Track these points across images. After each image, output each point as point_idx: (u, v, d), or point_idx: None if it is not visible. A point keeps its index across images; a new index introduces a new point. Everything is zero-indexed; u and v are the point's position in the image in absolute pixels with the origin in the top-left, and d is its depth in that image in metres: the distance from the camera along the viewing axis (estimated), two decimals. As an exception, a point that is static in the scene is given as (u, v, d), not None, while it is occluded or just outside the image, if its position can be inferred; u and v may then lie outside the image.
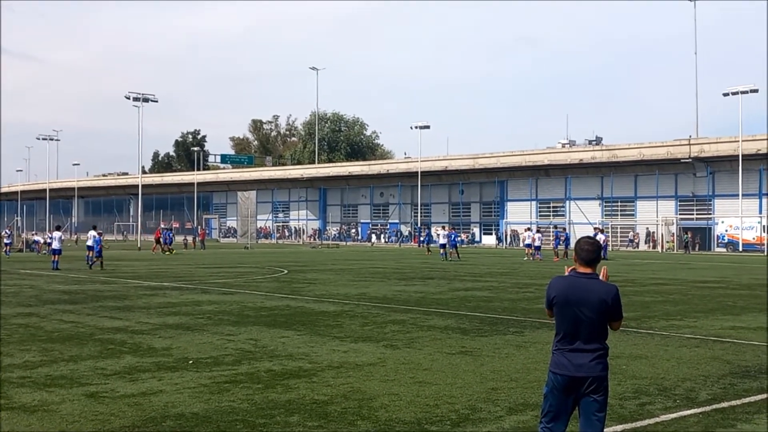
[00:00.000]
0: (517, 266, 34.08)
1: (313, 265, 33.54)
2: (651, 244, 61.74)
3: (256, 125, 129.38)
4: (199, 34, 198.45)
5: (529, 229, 48.84)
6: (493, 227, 74.98)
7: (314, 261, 38.11)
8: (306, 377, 8.70)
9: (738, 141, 55.18)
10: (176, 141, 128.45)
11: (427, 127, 72.32)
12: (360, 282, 23.80)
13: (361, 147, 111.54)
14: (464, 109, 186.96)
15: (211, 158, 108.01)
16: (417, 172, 73.09)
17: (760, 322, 14.01)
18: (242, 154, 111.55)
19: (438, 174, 76.04)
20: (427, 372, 9.04)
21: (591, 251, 5.10)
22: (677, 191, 62.45)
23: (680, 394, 7.98)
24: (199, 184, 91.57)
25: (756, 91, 54.29)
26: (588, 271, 5.07)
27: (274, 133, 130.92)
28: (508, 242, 69.44)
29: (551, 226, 60.80)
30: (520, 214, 70.96)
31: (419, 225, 74.94)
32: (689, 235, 58.87)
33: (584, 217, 65.37)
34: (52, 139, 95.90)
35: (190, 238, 65.33)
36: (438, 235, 43.87)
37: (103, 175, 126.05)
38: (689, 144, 60.22)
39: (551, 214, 69.80)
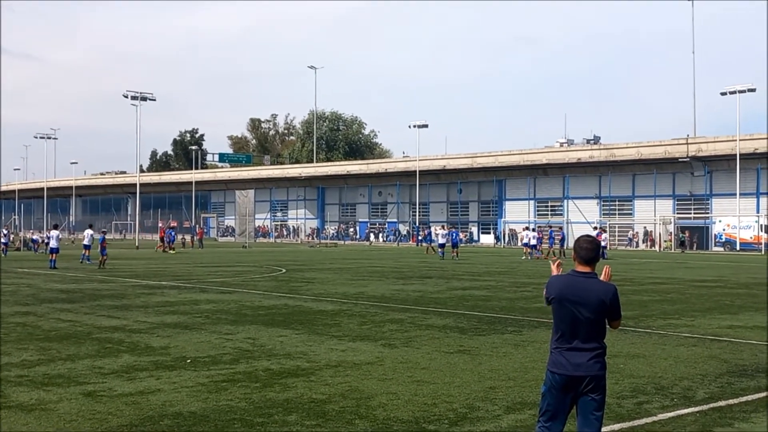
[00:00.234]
0: (515, 265, 34.10)
1: (312, 264, 33.54)
2: (649, 243, 61.82)
3: (255, 124, 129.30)
4: (197, 34, 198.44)
5: (527, 228, 48.89)
6: (492, 226, 75.01)
7: (312, 260, 38.11)
8: (304, 376, 8.70)
9: (735, 140, 55.23)
10: (174, 140, 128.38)
11: (426, 126, 72.34)
12: (358, 281, 23.80)
13: (360, 146, 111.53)
14: (462, 108, 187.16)
15: (209, 157, 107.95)
16: (415, 171, 73.10)
17: (758, 321, 14.03)
18: (240, 153, 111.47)
19: (436, 173, 76.05)
20: (425, 371, 9.05)
21: (590, 250, 5.09)
22: (675, 190, 62.51)
23: (678, 393, 7.99)
24: (197, 183, 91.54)
25: (753, 90, 54.35)
26: (587, 270, 5.06)
27: (272, 132, 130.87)
28: (506, 241, 69.49)
29: (547, 225, 60.86)
30: (518, 214, 70.99)
31: (417, 224, 74.99)
32: (686, 235, 58.95)
33: (582, 217, 65.42)
34: (50, 138, 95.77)
35: (188, 237, 65.30)
36: (438, 234, 43.78)
37: (101, 174, 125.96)
38: (687, 143, 60.28)
39: (549, 213, 69.85)
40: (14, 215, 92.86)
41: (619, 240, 63.92)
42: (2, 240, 43.18)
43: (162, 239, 50.15)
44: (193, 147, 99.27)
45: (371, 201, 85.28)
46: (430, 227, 64.57)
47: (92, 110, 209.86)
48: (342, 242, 77.08)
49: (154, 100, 63.02)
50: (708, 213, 59.84)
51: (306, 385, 8.20)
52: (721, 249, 55.87)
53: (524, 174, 70.61)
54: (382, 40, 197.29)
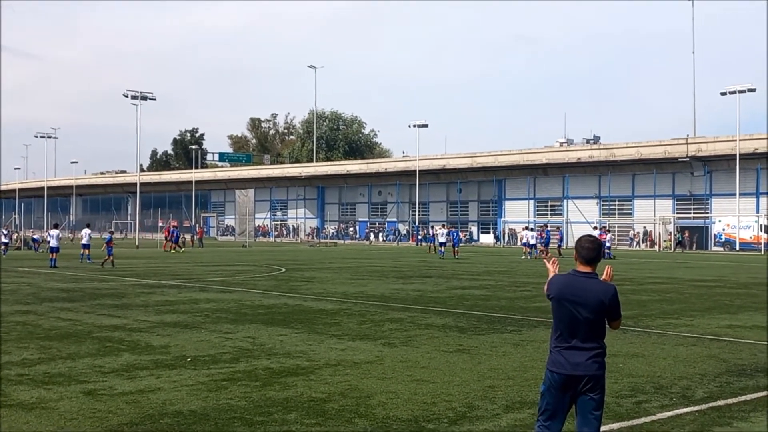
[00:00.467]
0: (514, 265, 34.11)
1: (311, 264, 33.55)
2: (648, 243, 61.84)
3: (255, 124, 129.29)
4: (198, 32, 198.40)
5: (527, 227, 48.90)
6: (491, 226, 75.02)
7: (312, 259, 38.12)
8: (304, 375, 8.72)
9: (735, 140, 55.25)
10: (174, 139, 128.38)
11: (426, 125, 72.34)
12: (358, 280, 23.81)
13: (360, 145, 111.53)
14: (462, 107, 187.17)
15: (209, 156, 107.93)
16: (415, 171, 73.10)
17: (757, 320, 14.05)
18: (240, 153, 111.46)
19: (436, 173, 76.04)
20: (424, 370, 9.06)
21: (591, 249, 5.10)
22: (675, 190, 62.51)
23: (677, 392, 8.00)
24: (197, 182, 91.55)
25: (753, 90, 54.37)
26: (587, 270, 5.07)
27: (272, 132, 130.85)
28: (505, 241, 69.51)
29: (542, 225, 60.79)
30: (518, 213, 71.00)
31: (417, 224, 75.00)
32: (686, 235, 58.96)
33: (582, 216, 65.42)
34: (50, 137, 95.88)
35: (188, 237, 65.28)
36: (439, 233, 43.74)
37: (101, 173, 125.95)
38: (687, 143, 60.29)
39: (549, 213, 69.86)
40: (14, 214, 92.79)
41: (619, 240, 63.90)
42: (3, 239, 43.16)
43: (166, 238, 50.24)
44: (193, 146, 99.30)
45: (371, 200, 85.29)
46: (433, 227, 64.55)
47: (92, 109, 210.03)
48: (342, 242, 77.08)
49: (154, 99, 63.09)
50: (708, 213, 59.86)
51: (306, 384, 8.21)
52: (721, 249, 55.89)
53: (524, 174, 70.61)
54: (382, 40, 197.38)
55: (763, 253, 50.28)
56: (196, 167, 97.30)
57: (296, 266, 31.52)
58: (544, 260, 5.66)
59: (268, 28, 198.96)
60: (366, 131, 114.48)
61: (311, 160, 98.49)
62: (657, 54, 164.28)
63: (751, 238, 54.40)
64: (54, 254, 30.79)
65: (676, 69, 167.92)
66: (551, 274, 5.25)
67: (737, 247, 54.39)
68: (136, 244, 58.04)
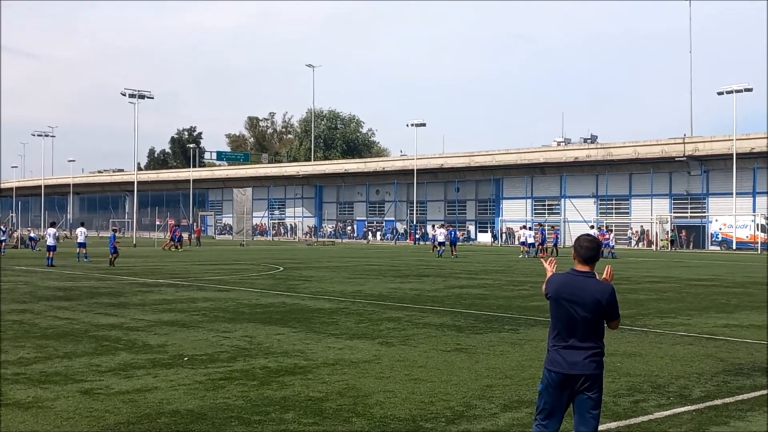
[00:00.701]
0: (512, 264, 34.13)
1: (309, 263, 33.54)
2: (645, 242, 61.91)
3: (253, 122, 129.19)
4: (196, 31, 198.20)
5: (524, 227, 48.92)
6: (489, 225, 75.06)
7: (310, 258, 38.10)
8: (301, 374, 8.71)
9: (732, 140, 55.33)
10: (172, 138, 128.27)
11: (423, 124, 72.34)
12: (355, 279, 23.81)
13: (357, 144, 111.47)
14: (460, 107, 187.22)
15: (207, 155, 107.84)
16: (413, 170, 73.08)
17: (754, 319, 14.07)
18: (238, 151, 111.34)
19: (434, 172, 76.04)
20: (422, 369, 9.06)
21: (590, 249, 5.10)
22: (672, 189, 62.57)
23: (674, 391, 8.01)
24: (194, 180, 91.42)
25: (750, 90, 54.44)
26: (585, 269, 5.07)
27: (270, 131, 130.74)
28: (503, 240, 69.55)
29: (536, 224, 60.90)
30: (515, 212, 71.05)
31: (414, 223, 75.00)
32: (683, 235, 59.03)
33: (579, 215, 65.49)
34: (47, 136, 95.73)
35: (185, 235, 65.22)
36: (438, 233, 43.71)
37: (99, 172, 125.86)
38: (684, 142, 60.38)
39: (546, 212, 69.89)
40: (12, 213, 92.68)
41: (616, 239, 63.87)
42: (1, 237, 43.06)
43: (173, 238, 50.51)
44: (191, 145, 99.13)
45: (369, 199, 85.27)
46: (434, 227, 64.45)
47: (90, 108, 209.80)
48: (339, 240, 77.06)
49: (152, 98, 62.96)
50: (704, 212, 59.94)
51: (303, 383, 8.21)
52: (718, 248, 55.97)
53: (521, 173, 70.65)
54: (380, 39, 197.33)
55: (759, 252, 50.36)
56: (194, 166, 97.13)
57: (294, 265, 31.50)
58: (542, 259, 5.66)
59: (267, 27, 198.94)
60: (364, 130, 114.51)
61: (309, 159, 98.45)
62: (654, 54, 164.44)
63: (747, 237, 54.49)
64: (51, 253, 30.75)
65: (673, 69, 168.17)
66: (549, 274, 5.26)
67: (734, 247, 54.47)
68: (134, 242, 57.98)
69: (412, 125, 72.10)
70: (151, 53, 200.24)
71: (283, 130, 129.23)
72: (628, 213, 65.24)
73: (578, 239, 5.21)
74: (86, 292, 18.97)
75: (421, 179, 74.35)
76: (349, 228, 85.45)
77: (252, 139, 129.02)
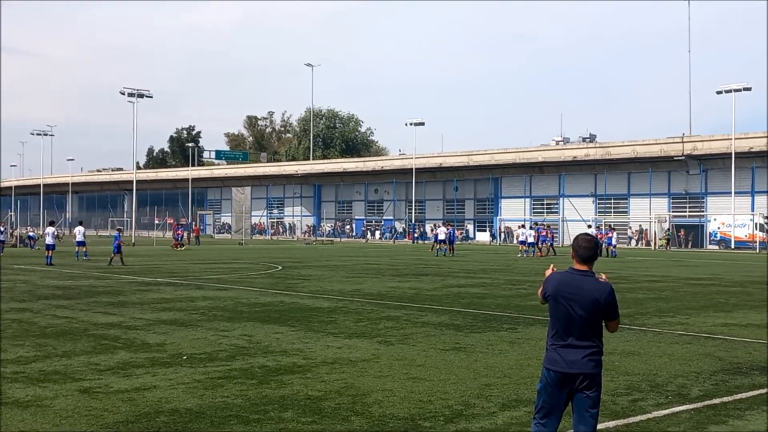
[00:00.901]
0: (510, 263, 34.14)
1: (308, 262, 33.53)
2: (644, 241, 61.94)
3: (251, 121, 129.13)
4: (195, 30, 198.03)
5: (522, 226, 48.92)
6: (487, 224, 75.07)
7: (308, 257, 38.10)
8: (300, 373, 8.72)
9: (731, 139, 55.35)
10: (171, 137, 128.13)
11: (422, 123, 72.29)
12: (354, 278, 23.81)
13: (356, 143, 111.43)
14: (459, 106, 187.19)
15: (205, 154, 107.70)
16: (411, 169, 73.07)
17: (752, 319, 14.08)
18: (237, 150, 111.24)
19: (432, 171, 76.04)
20: (420, 368, 9.06)
21: (588, 248, 5.10)
22: (670, 189, 62.60)
23: (672, 390, 8.02)
24: (193, 180, 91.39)
25: (749, 89, 54.44)
26: (584, 268, 5.08)
27: (269, 130, 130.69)
28: (502, 239, 69.57)
29: (535, 223, 60.85)
30: (514, 211, 71.07)
31: (413, 222, 75.00)
32: (681, 234, 59.01)
33: (578, 214, 65.50)
34: (46, 135, 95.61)
35: (184, 234, 65.20)
36: (440, 231, 43.67)
37: (98, 171, 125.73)
38: (682, 142, 60.38)
39: (545, 211, 69.91)
40: (10, 212, 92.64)
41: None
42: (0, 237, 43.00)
43: (176, 237, 50.58)
44: (190, 144, 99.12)
45: (367, 198, 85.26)
46: (436, 226, 64.36)
47: (89, 106, 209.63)
48: (338, 240, 77.06)
49: (151, 96, 62.90)
50: (703, 211, 59.97)
51: (302, 382, 8.21)
52: (716, 247, 56.00)
53: (520, 172, 70.65)
54: (379, 38, 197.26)
55: (758, 251, 50.40)
56: (193, 165, 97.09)
57: (292, 264, 31.50)
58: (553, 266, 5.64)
59: (265, 26, 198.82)
60: (363, 129, 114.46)
61: (308, 158, 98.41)
62: (653, 53, 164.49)
63: (746, 236, 54.51)
64: (50, 252, 30.74)
65: (672, 68, 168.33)
66: (548, 274, 5.26)
67: (732, 246, 54.51)
68: (132, 241, 57.93)
69: (410, 124, 72.07)
70: (150, 52, 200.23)
71: (282, 129, 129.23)
72: (626, 212, 65.26)
73: (576, 238, 5.21)
74: (85, 291, 18.96)
75: (419, 178, 74.33)
76: (348, 227, 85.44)
77: (251, 138, 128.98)
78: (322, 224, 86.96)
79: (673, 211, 61.48)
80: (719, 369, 9.21)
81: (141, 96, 61.75)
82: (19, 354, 9.87)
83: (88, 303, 16.03)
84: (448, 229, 43.42)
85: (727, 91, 55.08)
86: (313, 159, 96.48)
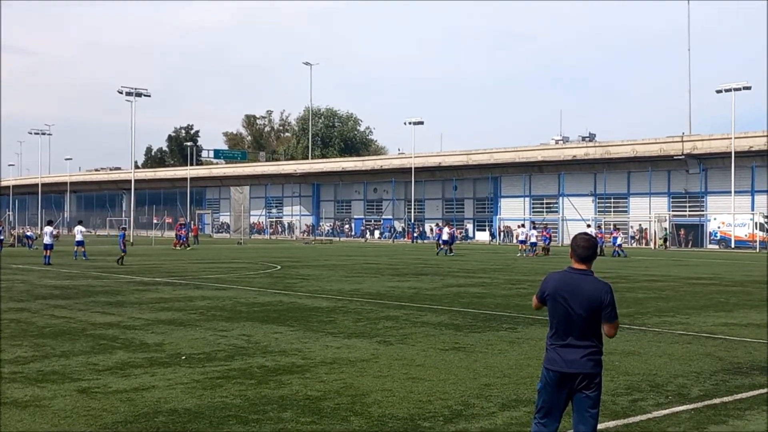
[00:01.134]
0: (510, 262, 34.13)
1: (307, 261, 33.51)
2: (644, 241, 61.96)
3: (250, 120, 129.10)
4: (193, 29, 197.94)
5: (522, 225, 48.90)
6: (487, 223, 75.07)
7: (307, 257, 38.08)
8: (299, 373, 8.69)
9: (731, 138, 55.35)
10: (169, 136, 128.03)
11: (421, 123, 72.24)
12: (353, 278, 23.79)
13: (355, 143, 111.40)
14: (458, 105, 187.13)
15: (204, 153, 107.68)
16: (411, 168, 73.04)
17: (752, 318, 14.07)
18: (235, 150, 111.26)
19: (431, 170, 76.02)
20: (420, 368, 9.04)
21: (587, 248, 5.09)
22: (670, 188, 62.61)
23: (672, 390, 8.00)
24: (192, 179, 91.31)
25: (749, 88, 54.45)
26: (583, 267, 5.06)
27: (267, 129, 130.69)
28: (501, 238, 69.57)
29: (533, 222, 60.87)
30: (513, 211, 71.08)
31: (412, 221, 74.99)
32: (681, 233, 59.00)
33: (577, 214, 65.49)
34: (44, 134, 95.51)
35: (188, 234, 65.14)
36: (441, 231, 43.63)
37: (96, 170, 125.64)
38: (682, 141, 60.37)
39: (544, 210, 69.92)
40: (8, 211, 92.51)
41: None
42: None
43: (179, 237, 50.61)
44: (188, 143, 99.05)
45: (366, 198, 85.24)
46: (439, 225, 64.33)
47: (87, 105, 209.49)
48: (337, 239, 77.04)
49: (149, 95, 62.88)
50: (703, 211, 59.99)
51: (301, 382, 8.19)
52: (716, 246, 56.00)
53: (519, 171, 70.65)
54: (378, 37, 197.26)
55: (758, 250, 50.40)
56: (191, 164, 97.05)
57: (291, 264, 31.48)
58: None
59: (264, 25, 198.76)
60: (361, 128, 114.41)
61: (306, 157, 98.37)
62: (653, 52, 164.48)
63: (746, 236, 54.51)
64: (48, 251, 30.70)
65: (672, 67, 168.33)
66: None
67: (732, 245, 54.52)
68: (131, 241, 57.89)
69: (409, 123, 72.03)
70: (149, 51, 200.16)
71: (281, 128, 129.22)
72: (626, 211, 65.25)
73: (575, 238, 5.19)
74: (83, 290, 18.93)
75: (418, 177, 74.31)
76: (347, 226, 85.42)
77: (249, 137, 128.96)
78: (320, 224, 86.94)
79: (672, 211, 61.50)
80: (719, 369, 9.19)
81: (139, 95, 61.73)
82: (18, 354, 9.84)
83: (86, 303, 16.01)
84: (450, 230, 43.53)
85: (726, 90, 55.07)
86: (312, 158, 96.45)
